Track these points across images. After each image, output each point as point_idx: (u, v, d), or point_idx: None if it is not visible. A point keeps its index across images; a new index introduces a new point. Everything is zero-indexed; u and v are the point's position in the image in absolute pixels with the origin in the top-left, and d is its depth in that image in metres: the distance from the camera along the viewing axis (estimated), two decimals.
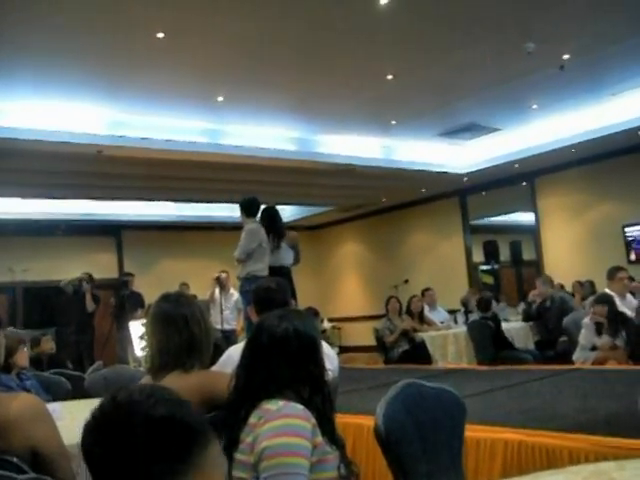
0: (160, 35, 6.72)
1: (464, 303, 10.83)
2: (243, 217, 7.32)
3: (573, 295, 10.08)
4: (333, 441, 1.96)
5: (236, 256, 7.03)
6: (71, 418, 3.33)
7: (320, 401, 2.01)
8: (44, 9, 6.02)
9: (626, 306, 6.88)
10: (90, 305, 10.53)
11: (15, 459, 1.83)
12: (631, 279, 7.93)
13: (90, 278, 10.75)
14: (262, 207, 7.50)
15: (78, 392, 4.94)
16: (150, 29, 6.61)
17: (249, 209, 7.33)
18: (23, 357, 4.75)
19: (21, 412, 1.96)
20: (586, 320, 6.58)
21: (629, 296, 7.24)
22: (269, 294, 3.51)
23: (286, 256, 7.43)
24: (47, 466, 1.96)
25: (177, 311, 2.54)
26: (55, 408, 2.83)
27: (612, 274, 7.19)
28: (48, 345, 7.08)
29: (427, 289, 10.51)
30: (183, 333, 2.49)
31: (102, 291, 11.39)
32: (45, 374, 5.28)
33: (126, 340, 9.67)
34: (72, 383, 5.10)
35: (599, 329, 6.44)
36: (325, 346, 2.61)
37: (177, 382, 2.38)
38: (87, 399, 4.46)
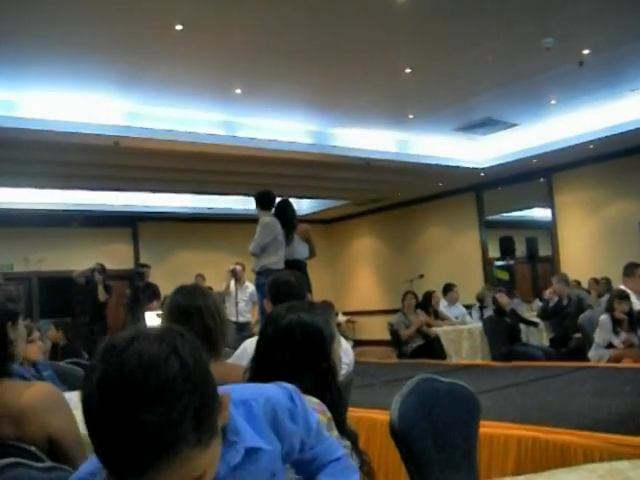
0: (179, 27, 6.73)
1: (480, 299, 10.78)
2: (258, 210, 7.30)
3: (589, 292, 10.03)
4: (344, 434, 1.96)
5: (251, 250, 7.03)
6: None
7: (328, 396, 1.97)
8: (63, 1, 6.05)
9: None
10: (102, 295, 10.57)
11: (33, 448, 1.85)
12: None
13: (102, 269, 10.78)
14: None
15: None
16: (168, 21, 6.62)
17: (264, 202, 7.31)
18: (34, 350, 4.71)
19: (36, 401, 1.98)
20: (603, 317, 6.52)
21: None
22: (285, 287, 3.50)
23: (299, 249, 7.41)
24: (64, 454, 1.97)
25: (192, 303, 2.55)
26: (70, 397, 2.84)
27: (630, 270, 7.09)
28: (56, 335, 7.06)
29: (452, 285, 10.44)
30: (197, 325, 2.49)
31: (118, 282, 11.43)
32: (60, 364, 5.30)
33: None
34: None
35: (619, 326, 6.38)
36: (342, 340, 2.60)
37: None
38: None
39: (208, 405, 1.10)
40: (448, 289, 10.32)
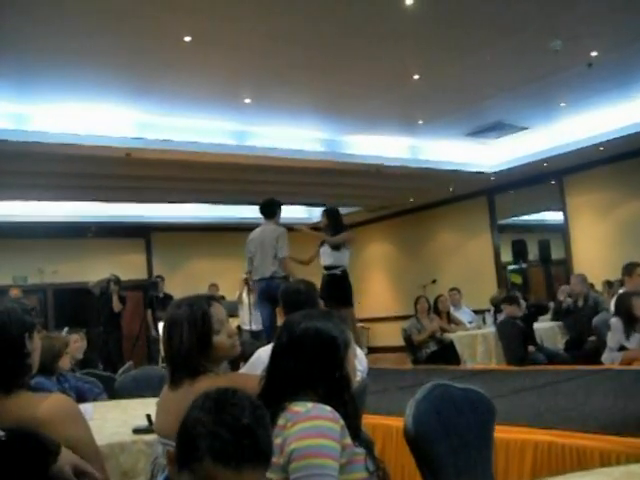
0: (187, 38, 6.78)
1: (495, 304, 10.71)
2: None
3: (601, 294, 9.95)
4: (358, 441, 1.96)
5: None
6: (102, 419, 3.37)
7: (341, 404, 1.96)
8: (73, 12, 6.10)
9: None
10: (117, 306, 10.71)
11: None
12: None
13: (117, 279, 10.91)
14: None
15: (108, 392, 4.99)
16: (178, 32, 6.66)
17: (265, 211, 7.66)
18: (66, 360, 4.73)
19: (52, 412, 1.98)
20: (614, 320, 6.42)
21: None
22: (295, 296, 3.54)
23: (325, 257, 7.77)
24: None
25: (177, 316, 2.41)
26: (86, 408, 2.86)
27: (631, 270, 6.96)
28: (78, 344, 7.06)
29: (451, 289, 10.54)
30: (180, 338, 2.36)
31: (132, 292, 11.51)
32: (77, 374, 5.32)
33: (158, 341, 9.89)
34: (103, 383, 5.15)
35: (632, 327, 6.25)
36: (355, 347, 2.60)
37: (207, 386, 2.38)
38: (118, 400, 4.50)
39: None
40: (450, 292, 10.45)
